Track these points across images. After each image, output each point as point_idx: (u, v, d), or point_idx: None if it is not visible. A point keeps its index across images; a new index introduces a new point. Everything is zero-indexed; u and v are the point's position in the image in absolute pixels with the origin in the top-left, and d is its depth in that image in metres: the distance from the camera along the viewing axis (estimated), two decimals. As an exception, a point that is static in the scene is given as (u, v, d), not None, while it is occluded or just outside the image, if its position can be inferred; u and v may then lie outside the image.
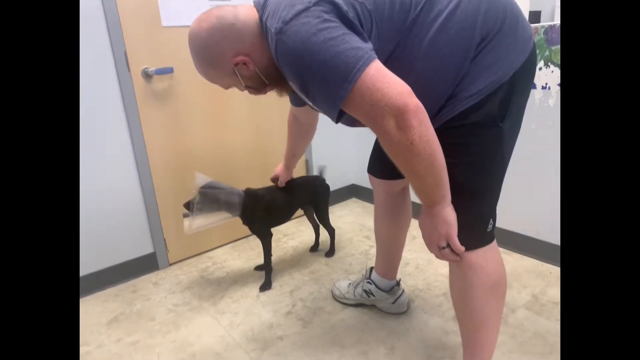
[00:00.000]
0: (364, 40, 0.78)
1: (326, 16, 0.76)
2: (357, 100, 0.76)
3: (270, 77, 0.93)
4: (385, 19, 0.82)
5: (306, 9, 0.76)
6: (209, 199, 1.54)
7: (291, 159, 1.64)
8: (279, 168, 1.72)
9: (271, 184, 1.75)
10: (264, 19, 0.84)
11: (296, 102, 1.33)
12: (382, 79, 0.75)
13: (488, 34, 0.83)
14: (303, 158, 2.43)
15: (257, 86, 0.97)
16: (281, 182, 1.72)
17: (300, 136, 1.54)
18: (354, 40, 0.76)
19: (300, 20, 0.76)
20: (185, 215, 1.58)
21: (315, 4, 0.77)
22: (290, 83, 0.91)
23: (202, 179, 1.56)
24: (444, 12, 0.82)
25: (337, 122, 0.87)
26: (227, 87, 0.99)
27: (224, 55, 0.89)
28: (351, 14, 0.78)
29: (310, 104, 0.97)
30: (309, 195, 1.87)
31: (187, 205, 1.57)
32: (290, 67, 0.80)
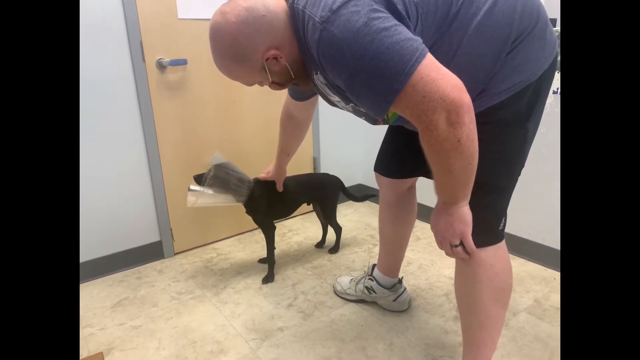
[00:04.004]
0: (412, 33, 0.75)
1: (376, 6, 0.73)
2: (408, 92, 0.72)
3: (297, 71, 0.90)
4: (429, 13, 0.80)
5: None
6: (221, 178, 1.55)
7: (285, 157, 1.60)
8: (271, 169, 1.67)
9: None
10: (300, 8, 0.79)
11: (297, 95, 1.29)
12: (437, 70, 0.72)
13: (521, 34, 0.83)
14: (311, 156, 2.45)
15: (283, 81, 0.93)
16: (279, 187, 1.68)
17: (295, 134, 1.50)
18: (406, 32, 0.72)
19: (349, 8, 0.72)
20: (191, 189, 1.58)
21: None
22: (317, 76, 0.87)
23: (219, 158, 1.57)
24: (482, 10, 0.80)
25: (379, 120, 0.83)
26: (251, 84, 0.94)
27: (255, 51, 0.84)
28: (400, 6, 0.75)
29: (334, 98, 0.95)
30: (316, 192, 1.88)
31: (198, 179, 1.57)
32: (337, 59, 0.75)
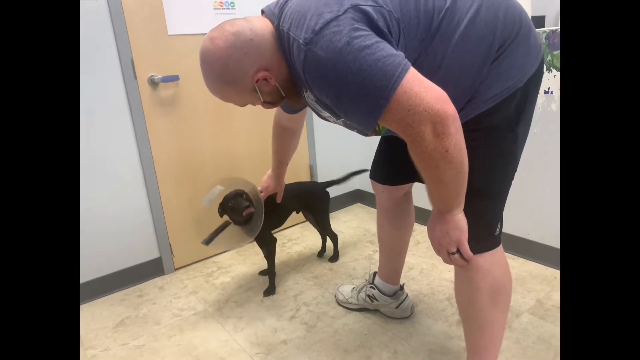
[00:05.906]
0: (395, 48, 0.76)
1: (357, 24, 0.74)
2: (393, 107, 0.73)
3: (288, 90, 0.91)
4: (411, 27, 0.81)
5: (336, 18, 0.74)
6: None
7: (284, 168, 1.59)
8: (268, 182, 1.62)
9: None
10: (285, 30, 0.80)
11: (290, 109, 1.30)
12: (420, 83, 0.73)
13: (505, 41, 0.84)
14: (307, 163, 2.45)
15: (275, 101, 0.94)
16: (279, 198, 1.65)
17: (291, 143, 1.50)
18: (388, 48, 0.74)
19: (331, 29, 0.73)
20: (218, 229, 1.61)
21: (345, 12, 0.74)
22: (307, 94, 0.89)
23: (220, 190, 1.59)
24: (464, 20, 0.81)
25: (369, 134, 0.85)
26: (243, 105, 0.95)
27: (245, 73, 0.85)
28: (381, 23, 0.76)
29: (325, 114, 0.96)
30: (304, 202, 1.88)
31: (240, 212, 1.56)
32: (323, 79, 0.77)
